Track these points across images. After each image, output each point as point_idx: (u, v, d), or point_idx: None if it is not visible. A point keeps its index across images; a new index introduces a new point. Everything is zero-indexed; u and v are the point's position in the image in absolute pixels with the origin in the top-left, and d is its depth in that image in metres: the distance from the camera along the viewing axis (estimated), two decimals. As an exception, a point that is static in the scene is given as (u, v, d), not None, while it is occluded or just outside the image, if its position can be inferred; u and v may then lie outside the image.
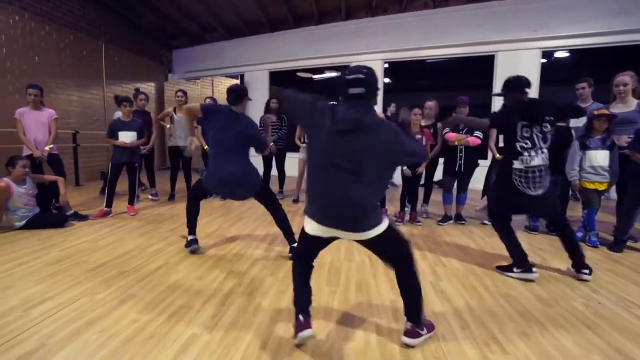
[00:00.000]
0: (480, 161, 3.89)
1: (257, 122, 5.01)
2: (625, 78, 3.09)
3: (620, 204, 3.24)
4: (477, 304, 2.00)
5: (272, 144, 4.92)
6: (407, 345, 1.55)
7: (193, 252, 2.74)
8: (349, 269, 2.47)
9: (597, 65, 6.20)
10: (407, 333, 1.56)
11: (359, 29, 7.24)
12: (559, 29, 6.02)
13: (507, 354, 1.53)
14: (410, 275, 1.56)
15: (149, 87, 8.44)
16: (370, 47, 7.13)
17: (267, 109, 5.05)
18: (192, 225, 2.78)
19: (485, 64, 6.62)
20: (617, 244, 2.95)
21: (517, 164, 2.32)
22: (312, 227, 1.51)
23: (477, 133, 3.57)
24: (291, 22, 7.56)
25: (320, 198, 1.46)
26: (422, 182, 3.98)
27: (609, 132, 3.02)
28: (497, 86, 6.37)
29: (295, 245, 1.69)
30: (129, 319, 1.76)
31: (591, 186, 3.04)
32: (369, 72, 1.45)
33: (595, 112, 2.99)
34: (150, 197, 4.84)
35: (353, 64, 1.39)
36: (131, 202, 4.06)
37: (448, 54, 6.81)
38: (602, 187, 3.01)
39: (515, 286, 2.25)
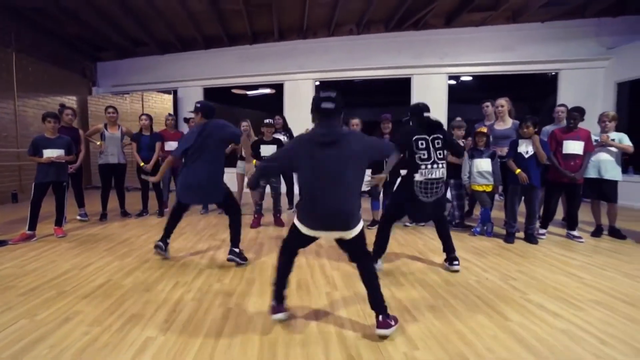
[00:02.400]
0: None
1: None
2: (502, 101, 3.94)
3: (507, 203, 4.04)
4: (397, 289, 2.42)
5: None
6: (382, 337, 1.76)
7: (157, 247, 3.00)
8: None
9: (494, 89, 7.49)
10: (380, 325, 1.76)
11: (291, 49, 7.70)
12: (461, 57, 7.16)
13: (417, 321, 1.95)
14: (372, 268, 1.91)
15: (70, 101, 7.83)
16: (303, 67, 7.62)
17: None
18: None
19: (404, 84, 7.54)
20: (509, 236, 3.61)
21: (417, 177, 2.60)
22: (309, 231, 1.81)
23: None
24: (226, 41, 7.74)
25: (317, 210, 1.75)
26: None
27: (488, 145, 3.83)
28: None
29: (285, 239, 1.99)
30: (79, 332, 1.80)
31: (480, 188, 3.79)
32: (337, 94, 1.79)
33: (477, 130, 3.80)
34: (79, 217, 4.57)
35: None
36: (59, 223, 3.83)
37: (371, 76, 7.60)
38: (488, 189, 3.78)
39: (426, 273, 2.74)
